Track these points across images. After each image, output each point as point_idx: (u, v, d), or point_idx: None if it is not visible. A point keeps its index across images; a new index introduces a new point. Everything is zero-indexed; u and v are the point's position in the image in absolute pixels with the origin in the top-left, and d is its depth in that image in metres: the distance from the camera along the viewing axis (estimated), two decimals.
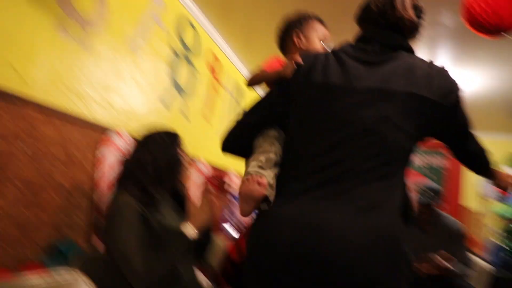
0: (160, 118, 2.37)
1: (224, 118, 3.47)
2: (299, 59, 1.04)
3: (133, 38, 2.10)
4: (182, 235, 1.34)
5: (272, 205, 0.93)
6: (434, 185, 2.58)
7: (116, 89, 2.01)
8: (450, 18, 2.33)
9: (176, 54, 2.51)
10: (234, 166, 3.83)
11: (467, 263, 2.37)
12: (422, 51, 3.03)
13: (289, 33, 1.35)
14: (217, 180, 1.48)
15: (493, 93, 3.60)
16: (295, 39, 1.33)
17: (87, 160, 1.82)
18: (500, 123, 4.71)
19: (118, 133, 1.99)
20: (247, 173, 0.96)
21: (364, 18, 1.11)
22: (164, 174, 1.42)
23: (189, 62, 2.69)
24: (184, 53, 2.63)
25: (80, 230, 1.80)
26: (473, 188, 5.41)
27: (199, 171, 2.94)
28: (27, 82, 1.48)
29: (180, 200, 1.53)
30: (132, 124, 2.15)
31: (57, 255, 1.49)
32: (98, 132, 1.88)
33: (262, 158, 0.98)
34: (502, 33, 1.86)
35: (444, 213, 2.58)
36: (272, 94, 1.07)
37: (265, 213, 0.93)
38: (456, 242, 2.43)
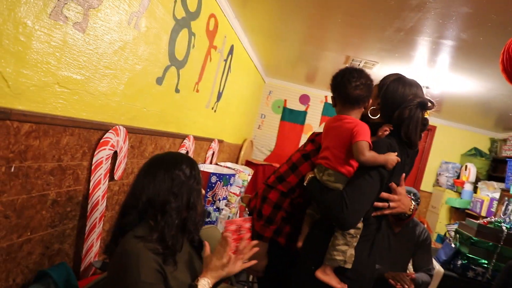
0: (151, 95, 2.12)
1: (213, 86, 3.24)
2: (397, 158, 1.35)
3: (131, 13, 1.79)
4: None
5: None
6: (412, 189, 2.67)
7: (112, 73, 1.75)
8: (452, 35, 2.56)
9: (177, 19, 2.19)
10: (219, 137, 3.69)
11: (430, 271, 2.57)
12: (426, 60, 3.11)
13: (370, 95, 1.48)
14: (235, 226, 1.38)
15: (475, 96, 3.89)
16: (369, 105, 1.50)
17: (81, 167, 1.63)
18: (477, 119, 5.10)
19: (114, 130, 1.78)
20: None
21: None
22: (188, 220, 1.28)
23: (189, 28, 2.38)
24: (186, 18, 2.31)
25: (71, 240, 1.68)
26: (432, 175, 5.73)
27: (186, 148, 2.79)
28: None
29: (196, 246, 1.42)
30: (128, 114, 1.92)
31: (48, 283, 1.38)
32: (92, 132, 1.66)
33: None
34: None
35: (415, 219, 2.72)
36: (379, 184, 1.35)
37: None
38: (423, 248, 2.59)
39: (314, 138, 1.71)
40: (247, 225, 1.40)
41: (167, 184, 1.26)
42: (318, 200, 1.40)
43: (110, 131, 1.75)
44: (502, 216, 3.76)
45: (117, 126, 1.80)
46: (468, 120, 5.31)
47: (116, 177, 1.90)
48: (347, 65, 3.81)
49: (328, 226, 1.41)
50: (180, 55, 2.36)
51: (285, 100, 5.70)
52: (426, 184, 5.68)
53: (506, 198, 3.76)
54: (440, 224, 5.13)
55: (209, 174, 2.88)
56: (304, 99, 5.68)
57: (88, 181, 1.70)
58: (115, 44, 1.67)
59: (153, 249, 1.17)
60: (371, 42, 3.01)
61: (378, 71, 3.72)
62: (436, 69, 3.30)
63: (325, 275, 1.36)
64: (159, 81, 2.17)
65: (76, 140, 1.56)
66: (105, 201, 1.83)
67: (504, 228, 3.27)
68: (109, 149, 1.76)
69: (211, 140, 3.45)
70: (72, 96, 1.48)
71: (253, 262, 1.38)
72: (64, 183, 1.55)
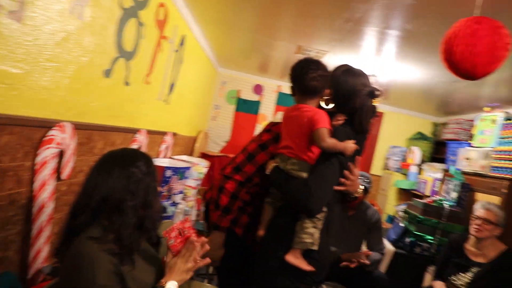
0: (98, 88, 2.02)
1: (165, 78, 3.15)
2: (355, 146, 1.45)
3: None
4: None
5: None
6: (365, 173, 2.79)
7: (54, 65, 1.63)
8: (397, 26, 2.66)
9: (124, 9, 2.08)
10: (172, 129, 3.60)
11: (381, 250, 2.71)
12: (373, 49, 3.26)
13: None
14: (176, 232, 1.35)
15: (419, 83, 4.09)
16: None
17: (23, 168, 1.51)
18: (421, 105, 5.39)
19: (59, 127, 1.66)
20: None
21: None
22: (146, 218, 1.23)
23: (137, 18, 2.27)
24: (134, 7, 2.20)
25: (16, 247, 1.56)
26: (381, 159, 6.01)
27: (138, 142, 2.69)
28: None
29: (153, 243, 1.37)
30: (74, 109, 1.81)
31: None
32: (35, 130, 1.55)
33: None
34: (469, 79, 1.94)
35: (367, 202, 2.85)
36: (339, 170, 1.44)
37: None
38: (375, 229, 2.73)
39: (271, 128, 1.73)
40: (187, 224, 1.38)
41: (123, 181, 1.20)
42: (284, 190, 1.44)
43: (54, 128, 1.63)
44: (443, 194, 4.05)
45: (63, 123, 1.69)
46: (413, 106, 5.61)
47: (63, 177, 1.79)
48: (299, 54, 3.86)
49: (292, 213, 1.44)
50: (129, 46, 2.25)
51: (239, 91, 5.68)
52: (376, 168, 5.95)
53: (447, 178, 4.03)
54: (389, 206, 5.41)
55: (164, 168, 2.81)
56: (258, 89, 5.69)
57: (32, 182, 1.58)
58: (57, 35, 1.56)
59: (108, 250, 1.12)
60: (322, 32, 3.06)
61: (328, 60, 3.81)
62: (383, 58, 3.44)
63: (295, 258, 1.40)
64: (107, 73, 2.06)
65: (16, 139, 1.44)
66: (53, 202, 1.72)
67: (445, 205, 3.51)
68: (55, 148, 1.65)
69: (164, 134, 3.36)
70: (10, 91, 1.36)
71: (206, 260, 1.36)
72: (5, 186, 1.43)
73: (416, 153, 5.33)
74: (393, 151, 5.76)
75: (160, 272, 1.31)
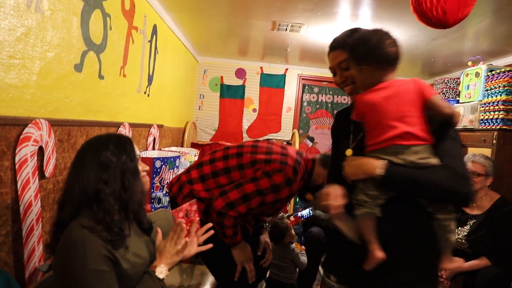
0: (71, 84, 1.99)
1: (142, 69, 3.11)
2: None
3: None
4: (154, 277, 1.22)
5: None
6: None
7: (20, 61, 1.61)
8: None
9: (85, 0, 2.04)
10: (157, 121, 3.58)
11: None
12: (348, 15, 3.22)
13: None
14: (183, 213, 1.37)
15: (401, 45, 3.97)
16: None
17: (2, 168, 1.49)
18: (404, 69, 5.35)
19: (34, 124, 1.64)
20: None
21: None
22: (129, 201, 1.21)
23: (102, 9, 2.23)
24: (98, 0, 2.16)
25: (7, 248, 1.55)
26: None
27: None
28: None
29: (145, 229, 1.36)
30: (48, 106, 1.79)
31: None
32: (9, 128, 1.53)
33: None
34: (443, 27, 1.93)
35: None
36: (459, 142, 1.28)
37: None
38: None
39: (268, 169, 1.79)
40: (194, 207, 1.40)
41: (95, 170, 1.18)
42: (429, 186, 1.14)
43: (30, 125, 1.62)
44: None
45: (37, 120, 1.67)
46: (400, 71, 5.59)
47: (47, 174, 1.78)
48: (274, 31, 3.82)
49: (422, 213, 1.19)
50: (97, 38, 2.22)
51: (222, 77, 5.64)
52: None
53: None
54: None
55: (153, 160, 2.80)
56: (240, 73, 5.65)
57: (15, 182, 1.57)
58: (17, 30, 1.53)
59: (100, 236, 1.12)
60: (293, 3, 3.03)
61: (305, 33, 3.78)
62: (359, 22, 3.41)
63: (453, 261, 1.24)
64: (78, 68, 2.03)
65: None
66: (39, 201, 1.72)
67: None
68: (33, 145, 1.64)
69: (149, 126, 3.34)
70: None
71: (209, 245, 1.39)
72: None
73: None
74: None
75: (154, 255, 1.32)
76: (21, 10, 1.54)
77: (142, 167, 1.33)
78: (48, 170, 1.79)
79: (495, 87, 3.23)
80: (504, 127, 3.09)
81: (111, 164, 1.20)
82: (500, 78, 3.16)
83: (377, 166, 1.16)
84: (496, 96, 3.19)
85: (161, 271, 1.23)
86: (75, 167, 1.21)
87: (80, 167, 1.19)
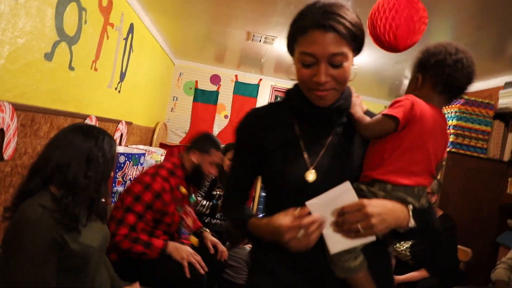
0: (40, 72, 2.03)
1: (114, 65, 3.16)
2: None
3: None
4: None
5: None
6: None
7: None
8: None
9: None
10: (126, 118, 3.61)
11: None
12: None
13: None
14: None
15: (367, 67, 4.27)
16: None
17: None
18: (372, 90, 5.64)
19: None
20: None
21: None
22: (95, 200, 1.25)
23: (78, 3, 2.29)
24: None
25: None
26: None
27: None
28: None
29: (100, 214, 1.35)
30: (14, 91, 1.82)
31: None
32: None
33: None
34: (394, 51, 2.11)
35: None
36: None
37: None
38: None
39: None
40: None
41: (82, 157, 1.21)
42: (428, 228, 1.00)
43: None
44: None
45: (1, 102, 1.71)
46: (365, 91, 5.86)
47: (5, 157, 1.80)
48: (249, 41, 3.96)
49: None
50: (71, 30, 2.27)
51: (197, 81, 5.72)
52: None
53: None
54: None
55: (117, 154, 2.84)
56: (215, 79, 5.76)
57: None
58: None
59: (56, 218, 1.13)
60: (267, 16, 3.18)
61: (278, 46, 3.93)
62: None
63: None
64: (48, 57, 2.08)
65: None
66: None
67: None
68: None
69: (117, 122, 3.38)
70: None
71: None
72: None
73: None
74: None
75: (106, 239, 1.36)
76: None
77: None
78: (7, 153, 1.82)
79: (449, 112, 3.47)
80: (453, 149, 3.32)
81: (98, 160, 1.23)
82: (452, 104, 3.41)
83: (407, 215, 0.92)
84: (449, 120, 3.44)
85: None
86: (61, 141, 1.22)
87: (66, 145, 1.21)
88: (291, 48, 1.00)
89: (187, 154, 2.20)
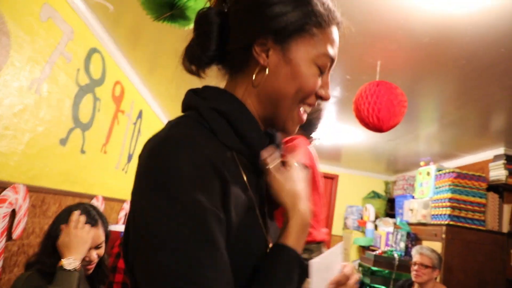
0: (54, 155, 2.22)
1: (123, 148, 3.38)
2: None
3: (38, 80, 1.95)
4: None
5: None
6: None
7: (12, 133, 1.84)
8: (338, 92, 3.05)
9: (80, 86, 2.37)
10: (129, 197, 3.73)
11: None
12: None
13: None
14: None
15: (363, 144, 4.46)
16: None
17: None
18: (371, 165, 5.81)
19: (13, 188, 1.82)
20: None
21: None
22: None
23: (93, 94, 2.57)
24: (90, 85, 2.50)
25: None
26: (340, 220, 6.25)
27: None
28: None
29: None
30: (29, 173, 1.99)
31: None
32: None
33: None
34: (378, 131, 2.30)
35: None
36: None
37: None
38: None
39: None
40: None
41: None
42: None
43: (8, 189, 1.80)
44: (393, 245, 4.25)
45: (16, 184, 1.85)
46: (365, 167, 6.03)
47: (14, 236, 1.90)
48: None
49: None
50: (85, 118, 2.51)
51: None
52: (337, 228, 6.15)
53: (396, 230, 4.28)
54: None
55: (120, 234, 2.91)
56: None
57: None
58: (15, 107, 1.80)
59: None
60: None
61: None
62: (327, 121, 3.86)
63: None
64: (63, 142, 2.28)
65: None
66: (1, 261, 1.81)
67: (395, 255, 3.71)
68: (7, 207, 1.79)
69: (123, 201, 3.49)
70: None
71: None
72: None
73: (370, 210, 5.61)
74: (350, 210, 6.03)
75: None
76: (23, 91, 1.83)
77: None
78: (16, 232, 1.91)
79: (443, 186, 3.58)
80: (451, 222, 3.36)
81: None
82: (446, 178, 3.53)
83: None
84: (443, 193, 3.52)
85: (69, 262, 1.35)
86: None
87: None
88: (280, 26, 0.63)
89: None
